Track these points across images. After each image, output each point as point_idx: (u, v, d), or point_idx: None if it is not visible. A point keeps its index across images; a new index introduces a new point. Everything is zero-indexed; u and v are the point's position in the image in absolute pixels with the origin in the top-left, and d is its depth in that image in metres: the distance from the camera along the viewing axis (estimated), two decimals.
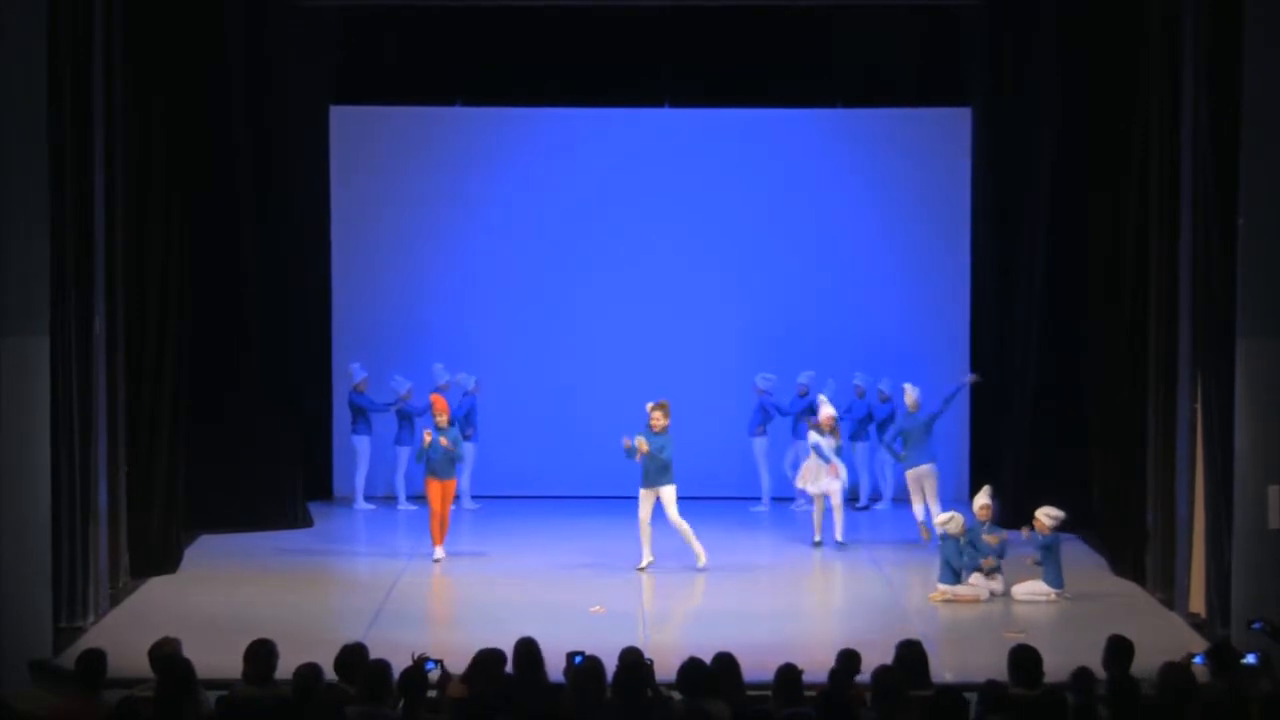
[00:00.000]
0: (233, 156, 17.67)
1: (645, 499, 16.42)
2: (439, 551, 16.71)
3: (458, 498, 19.41)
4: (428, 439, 16.68)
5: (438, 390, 19.00)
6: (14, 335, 13.18)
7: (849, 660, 10.41)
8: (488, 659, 10.16)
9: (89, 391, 14.40)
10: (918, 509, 17.56)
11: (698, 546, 16.38)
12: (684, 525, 16.37)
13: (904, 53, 19.56)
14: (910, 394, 17.80)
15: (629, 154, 19.95)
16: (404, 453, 19.18)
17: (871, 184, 19.88)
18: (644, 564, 16.34)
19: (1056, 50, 17.72)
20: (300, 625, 13.84)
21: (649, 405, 16.57)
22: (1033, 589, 15.36)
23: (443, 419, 16.86)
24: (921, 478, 17.57)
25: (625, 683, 9.63)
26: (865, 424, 19.39)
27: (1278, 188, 13.28)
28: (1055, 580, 15.37)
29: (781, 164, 19.92)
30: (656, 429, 16.40)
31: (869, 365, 19.52)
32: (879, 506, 19.52)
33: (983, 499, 15.77)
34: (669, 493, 16.35)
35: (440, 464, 16.73)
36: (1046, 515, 15.53)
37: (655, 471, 16.36)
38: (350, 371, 19.24)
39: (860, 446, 19.45)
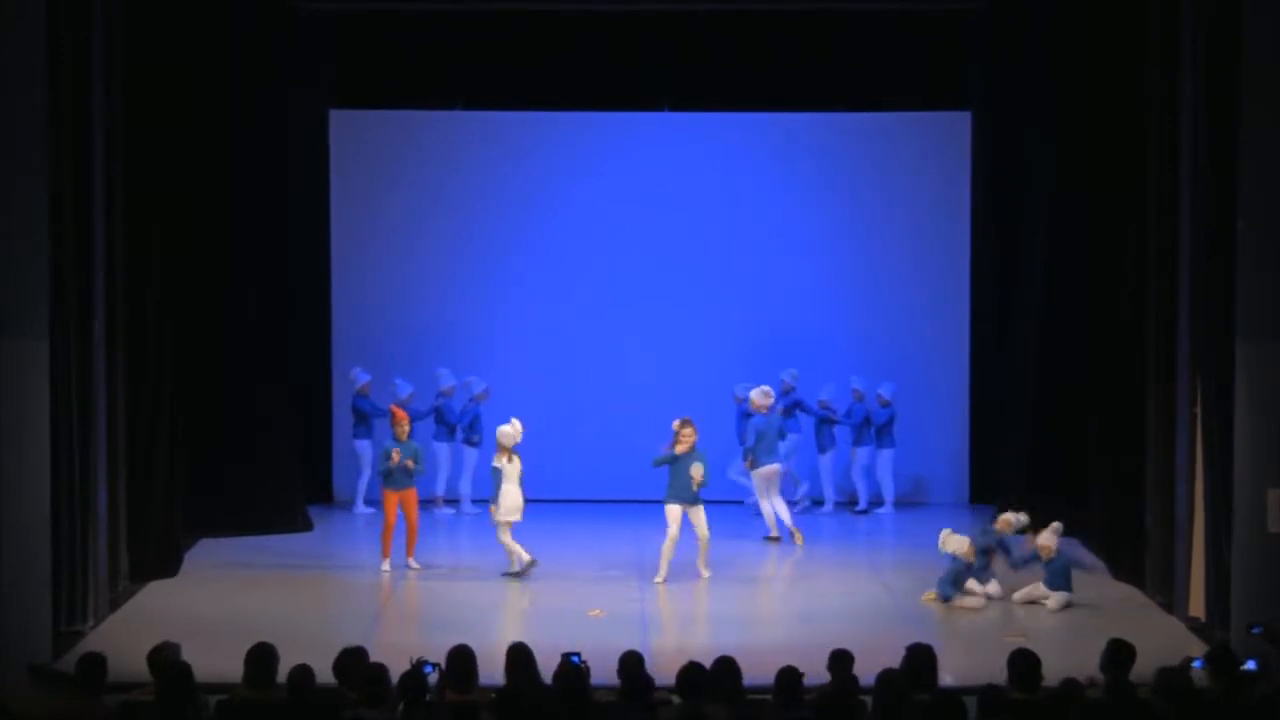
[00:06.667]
0: (232, 161, 17.66)
1: (675, 514, 16.15)
2: (387, 563, 16.55)
3: (458, 502, 19.46)
4: (395, 458, 16.56)
5: (440, 395, 19.03)
6: (14, 337, 13.18)
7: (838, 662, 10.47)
8: (460, 654, 10.17)
9: (89, 395, 14.40)
10: (765, 508, 17.86)
11: (703, 560, 16.28)
12: (706, 538, 16.21)
13: (904, 57, 19.56)
14: (756, 396, 18.01)
15: (629, 157, 19.95)
16: None
17: (871, 188, 19.88)
18: (660, 578, 16.12)
19: (1056, 55, 17.74)
20: (300, 629, 13.84)
21: (678, 423, 16.24)
22: (1036, 594, 15.30)
23: (402, 430, 16.80)
24: (769, 476, 17.73)
25: (626, 686, 9.66)
26: (864, 428, 19.38)
27: (1277, 190, 13.29)
28: (1064, 585, 15.22)
29: (782, 168, 19.93)
30: (688, 448, 16.11)
31: (869, 369, 19.53)
32: (880, 510, 19.50)
33: (1049, 539, 15.26)
34: (700, 510, 16.15)
35: (397, 476, 16.69)
36: (1049, 538, 15.36)
37: (691, 489, 16.08)
38: (352, 377, 19.20)
39: (860, 451, 19.44)
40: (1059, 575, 15.18)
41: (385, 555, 16.55)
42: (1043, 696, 9.78)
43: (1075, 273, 17.61)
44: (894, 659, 10.42)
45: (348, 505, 19.56)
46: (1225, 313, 13.72)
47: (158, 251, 15.98)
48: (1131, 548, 15.88)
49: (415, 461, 16.62)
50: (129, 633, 13.75)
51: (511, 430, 16.40)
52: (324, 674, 10.29)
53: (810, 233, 19.95)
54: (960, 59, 19.63)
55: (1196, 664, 10.70)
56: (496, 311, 19.99)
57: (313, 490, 19.28)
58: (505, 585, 16.11)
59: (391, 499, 16.60)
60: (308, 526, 18.44)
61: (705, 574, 16.22)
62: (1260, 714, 9.59)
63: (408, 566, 16.53)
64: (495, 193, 19.90)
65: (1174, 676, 9.82)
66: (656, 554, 16.26)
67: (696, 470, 15.99)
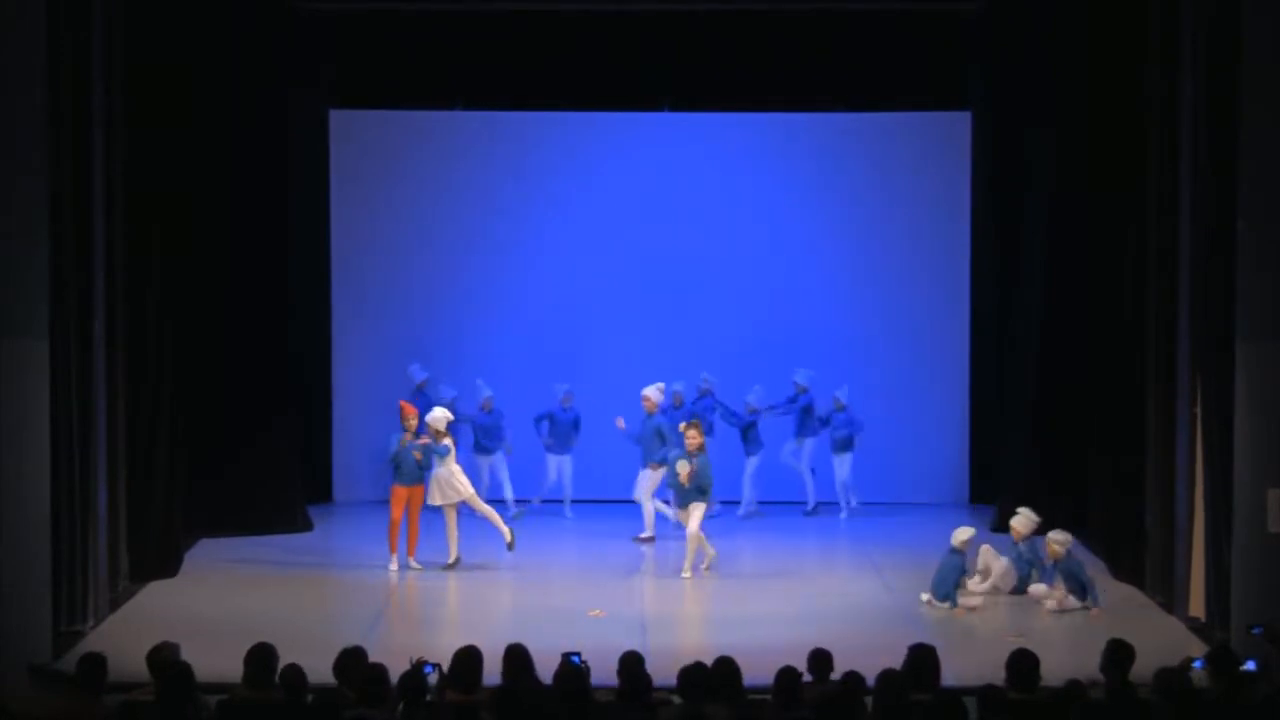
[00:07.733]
0: (232, 161, 17.65)
1: (682, 515, 16.50)
2: (395, 561, 16.54)
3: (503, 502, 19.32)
4: (416, 448, 16.56)
5: (480, 407, 18.93)
6: (14, 337, 13.18)
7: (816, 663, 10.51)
8: (467, 655, 10.17)
9: (89, 395, 14.40)
10: (649, 506, 17.81)
11: (689, 563, 16.33)
12: (697, 538, 16.32)
13: (904, 57, 19.54)
14: (650, 393, 18.03)
15: (629, 157, 19.94)
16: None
17: (871, 188, 19.87)
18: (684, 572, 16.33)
19: (1056, 55, 17.73)
20: (300, 629, 13.83)
21: (682, 426, 16.69)
22: (1046, 594, 15.26)
23: (412, 422, 16.79)
24: (655, 477, 17.74)
25: (626, 686, 9.67)
26: (807, 418, 19.13)
27: (1277, 190, 13.29)
28: (1080, 592, 15.16)
29: (782, 168, 19.92)
30: (693, 448, 16.42)
31: (869, 369, 19.51)
32: (842, 517, 19.26)
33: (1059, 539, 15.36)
34: (698, 509, 16.38)
35: (409, 470, 16.69)
36: (1057, 542, 15.32)
37: (691, 492, 16.38)
38: (410, 374, 19.13)
39: (806, 442, 19.22)
40: (1071, 580, 15.14)
41: (393, 551, 16.54)
42: (1042, 696, 9.78)
43: (1075, 273, 17.61)
44: (894, 659, 10.42)
45: (348, 504, 19.52)
46: (1225, 313, 13.72)
47: (158, 251, 15.98)
48: (1131, 548, 15.88)
49: (422, 455, 16.61)
50: (129, 633, 13.75)
51: (444, 414, 16.71)
52: (324, 674, 10.30)
53: (810, 233, 19.94)
54: (960, 59, 19.62)
55: (1196, 664, 10.70)
56: (496, 311, 19.97)
57: (313, 490, 19.27)
58: (504, 585, 16.10)
59: (400, 496, 16.59)
60: (308, 526, 18.44)
61: (686, 575, 16.25)
62: (1260, 714, 9.58)
63: (408, 566, 16.53)
64: (495, 193, 19.89)
65: (1174, 676, 9.82)
66: (656, 554, 16.28)
67: (681, 466, 16.25)
